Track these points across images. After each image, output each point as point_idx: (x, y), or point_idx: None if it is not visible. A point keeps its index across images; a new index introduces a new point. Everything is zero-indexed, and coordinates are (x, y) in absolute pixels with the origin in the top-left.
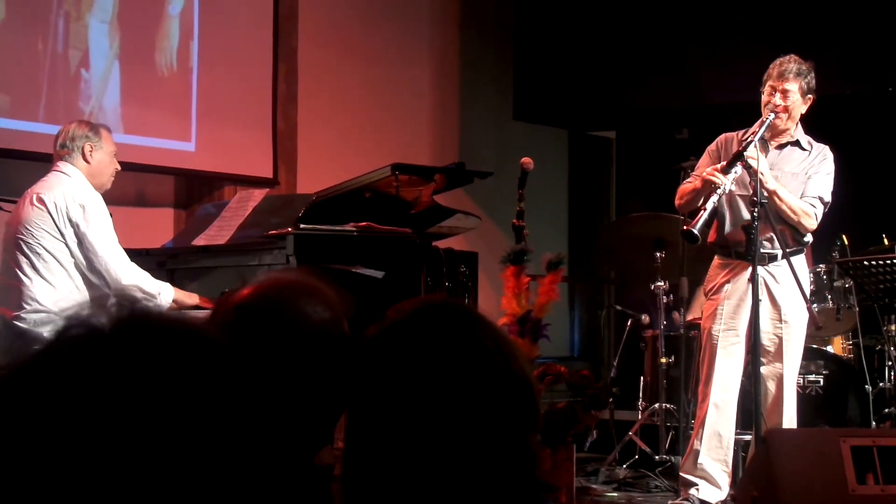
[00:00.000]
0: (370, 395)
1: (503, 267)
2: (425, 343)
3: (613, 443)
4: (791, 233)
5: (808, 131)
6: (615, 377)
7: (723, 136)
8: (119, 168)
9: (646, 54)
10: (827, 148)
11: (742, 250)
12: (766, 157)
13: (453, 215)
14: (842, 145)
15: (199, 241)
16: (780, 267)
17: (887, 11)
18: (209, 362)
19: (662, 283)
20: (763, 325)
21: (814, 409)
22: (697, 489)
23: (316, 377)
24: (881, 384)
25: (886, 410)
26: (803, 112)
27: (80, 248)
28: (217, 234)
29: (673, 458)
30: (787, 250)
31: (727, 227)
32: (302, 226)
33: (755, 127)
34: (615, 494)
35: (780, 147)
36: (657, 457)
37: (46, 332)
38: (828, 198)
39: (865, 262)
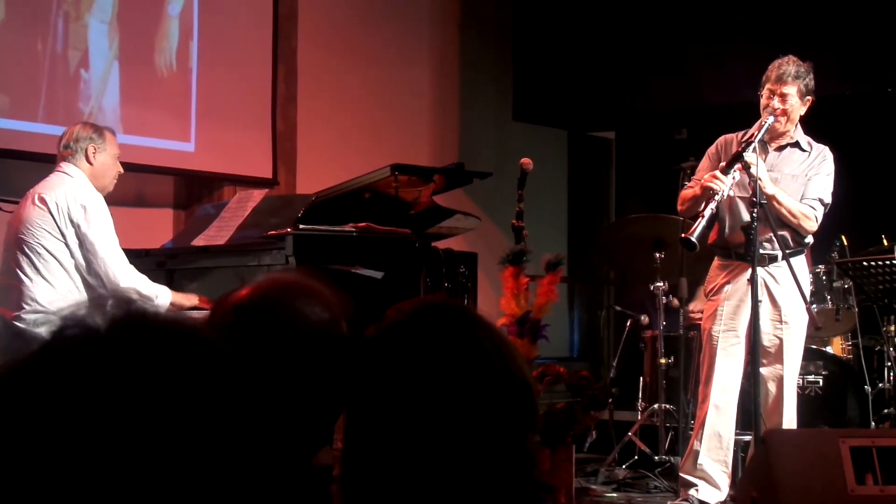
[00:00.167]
0: (369, 396)
1: (502, 267)
2: (424, 344)
3: (613, 443)
4: (791, 234)
5: (807, 132)
6: (614, 378)
7: (722, 137)
8: (122, 171)
9: (645, 55)
10: (826, 148)
11: (742, 251)
12: (765, 159)
13: (453, 216)
14: (841, 146)
15: (199, 241)
16: (780, 268)
17: (887, 12)
18: (205, 362)
19: (662, 284)
20: (763, 326)
21: (813, 409)
22: (697, 490)
23: (314, 378)
24: (880, 385)
25: (886, 411)
26: (802, 113)
27: (80, 250)
28: (216, 234)
29: (672, 458)
30: (787, 251)
31: (727, 230)
32: (301, 226)
33: (754, 129)
34: (614, 495)
35: (780, 149)
36: (657, 457)
37: (44, 331)
38: (828, 199)
39: (865, 263)
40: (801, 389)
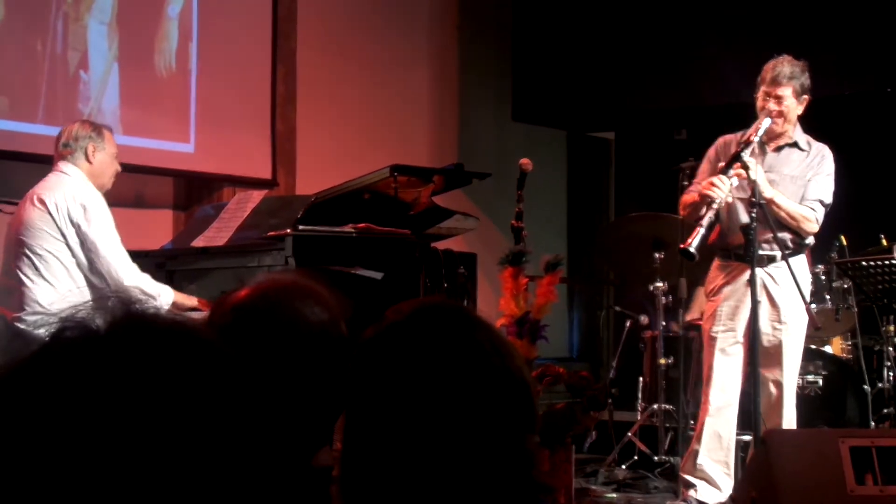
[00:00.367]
0: (368, 397)
1: (502, 268)
2: (423, 344)
3: (612, 444)
4: (791, 235)
5: (806, 132)
6: (614, 378)
7: (721, 139)
8: (120, 169)
9: (644, 55)
10: (826, 147)
11: (741, 252)
12: (763, 160)
13: (452, 216)
14: (840, 146)
15: (198, 242)
16: (779, 268)
17: (886, 12)
18: (204, 363)
19: (661, 284)
20: (762, 327)
21: (813, 409)
22: (696, 490)
23: (314, 378)
24: (880, 384)
25: (885, 411)
26: (800, 113)
27: (82, 249)
28: (216, 235)
29: (672, 458)
30: (786, 252)
31: (726, 231)
32: (301, 227)
33: (751, 130)
34: (614, 495)
35: (778, 149)
36: (656, 458)
37: (44, 332)
38: (828, 200)
39: (864, 263)
40: (801, 389)
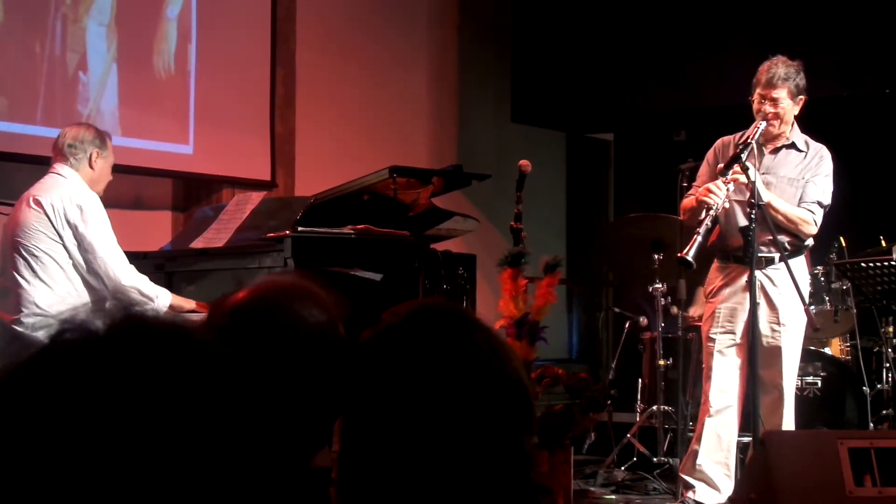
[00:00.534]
0: (365, 399)
1: (501, 269)
2: (420, 346)
3: (612, 445)
4: (789, 238)
5: (805, 132)
6: (613, 379)
7: (719, 141)
8: (111, 178)
9: (643, 56)
10: (824, 147)
11: (740, 255)
12: (760, 162)
13: (451, 218)
14: (839, 147)
15: (197, 243)
16: (777, 270)
17: (884, 14)
18: (203, 366)
19: (660, 285)
20: (761, 328)
21: (812, 410)
22: (695, 492)
23: (312, 380)
24: (879, 386)
25: (884, 412)
26: (796, 113)
27: (79, 250)
28: (215, 236)
29: (671, 460)
30: (785, 253)
31: (725, 234)
32: (300, 228)
33: (749, 132)
34: (613, 497)
35: (775, 151)
36: (655, 459)
37: (43, 335)
38: (827, 201)
39: (863, 264)
40: (800, 391)
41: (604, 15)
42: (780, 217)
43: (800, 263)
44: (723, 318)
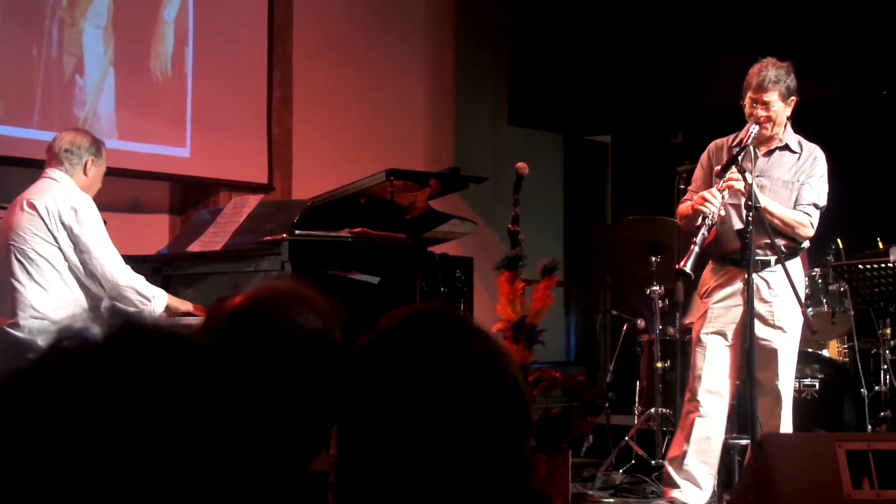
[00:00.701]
0: (362, 403)
1: (498, 272)
2: (416, 351)
3: (610, 448)
4: (785, 241)
5: (798, 132)
6: (611, 382)
7: (713, 143)
8: (101, 185)
9: (641, 58)
10: (818, 148)
11: (736, 258)
12: (754, 165)
13: (448, 220)
14: (836, 149)
15: (195, 247)
16: (774, 272)
17: (883, 15)
18: (201, 373)
19: (658, 288)
20: (757, 331)
21: (809, 413)
22: (681, 491)
23: (309, 385)
24: (877, 388)
25: (882, 414)
26: (788, 114)
27: (74, 252)
28: (212, 240)
29: None
30: (781, 256)
31: (721, 237)
32: (297, 232)
33: (742, 135)
34: (611, 500)
35: (769, 153)
36: (653, 462)
37: (41, 340)
38: (823, 202)
39: (860, 266)
40: (798, 393)
41: (601, 17)
42: (776, 221)
43: (796, 265)
44: (715, 318)
